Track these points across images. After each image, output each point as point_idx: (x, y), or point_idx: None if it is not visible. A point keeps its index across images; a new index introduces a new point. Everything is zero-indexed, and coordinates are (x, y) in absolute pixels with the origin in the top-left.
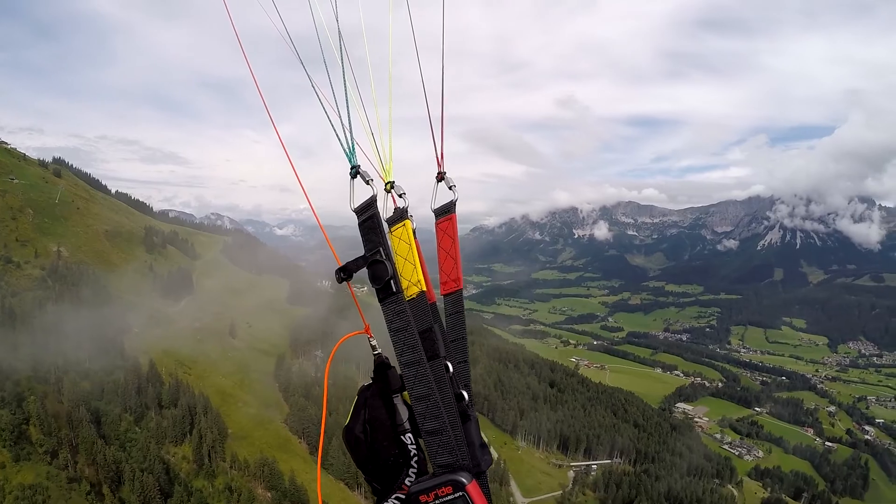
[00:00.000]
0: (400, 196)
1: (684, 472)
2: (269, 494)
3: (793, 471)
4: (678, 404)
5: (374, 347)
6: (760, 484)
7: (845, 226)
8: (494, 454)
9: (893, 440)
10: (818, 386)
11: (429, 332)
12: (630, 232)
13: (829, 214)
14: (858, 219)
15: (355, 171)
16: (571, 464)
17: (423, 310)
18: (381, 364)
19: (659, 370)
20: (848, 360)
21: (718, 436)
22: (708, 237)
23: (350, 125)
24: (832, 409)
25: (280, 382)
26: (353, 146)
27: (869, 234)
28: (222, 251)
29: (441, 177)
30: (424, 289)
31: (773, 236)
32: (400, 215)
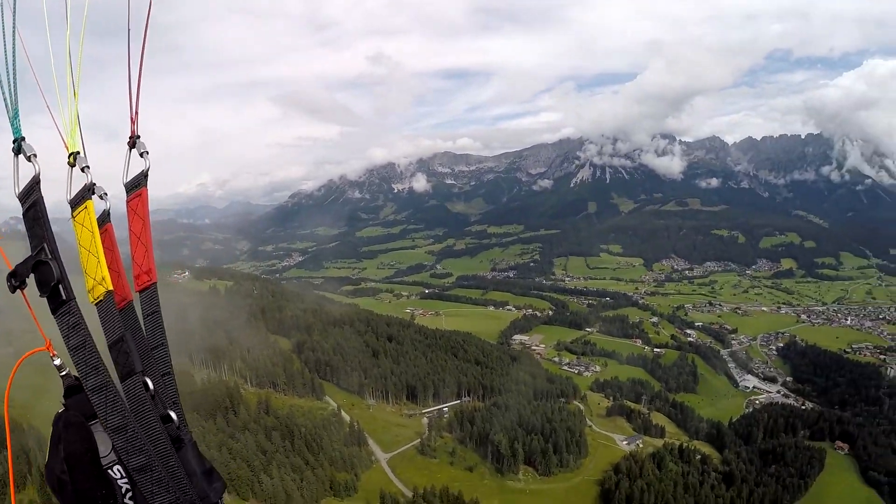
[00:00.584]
0: (83, 171)
1: (531, 397)
2: None
3: (629, 379)
4: (514, 336)
5: (58, 368)
6: (602, 395)
7: (650, 160)
8: (346, 417)
9: (713, 338)
10: (640, 301)
11: (120, 343)
12: (448, 181)
13: (634, 151)
14: (661, 153)
15: (18, 146)
16: (423, 411)
17: (110, 316)
18: (70, 388)
19: (492, 308)
20: (663, 276)
21: (557, 359)
22: (524, 179)
23: (13, 80)
24: (655, 319)
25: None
26: (16, 109)
27: (671, 165)
28: None
29: (133, 142)
30: (110, 288)
31: (585, 174)
32: (81, 196)
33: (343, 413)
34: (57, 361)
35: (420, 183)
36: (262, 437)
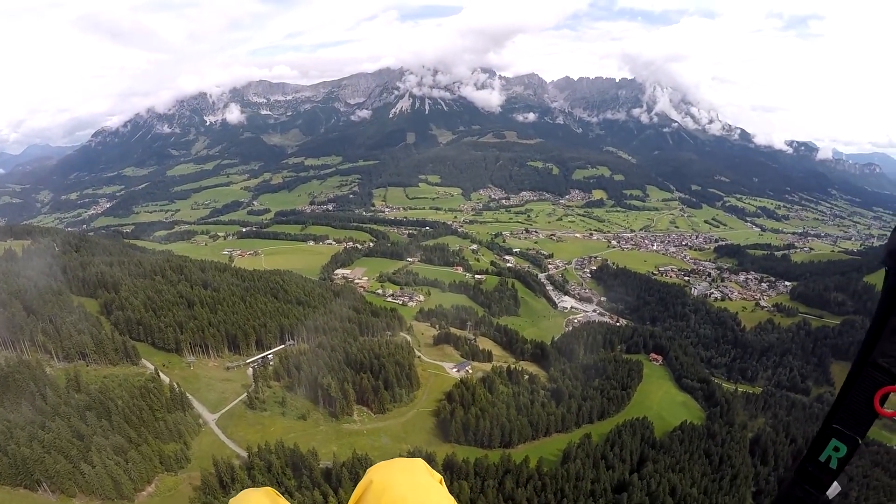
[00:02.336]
0: None
1: (357, 334)
2: None
3: (454, 306)
4: (336, 271)
5: None
6: (428, 324)
7: (469, 92)
8: (165, 380)
9: (531, 263)
10: (459, 230)
11: None
12: (264, 111)
13: (454, 83)
14: (481, 86)
15: None
16: (247, 361)
17: None
18: None
19: (311, 243)
20: (481, 205)
21: (380, 291)
22: (342, 109)
23: None
24: (475, 247)
25: None
26: None
27: (490, 99)
28: None
29: None
30: None
31: (404, 104)
32: None
33: (162, 376)
34: None
35: (234, 114)
36: (77, 419)
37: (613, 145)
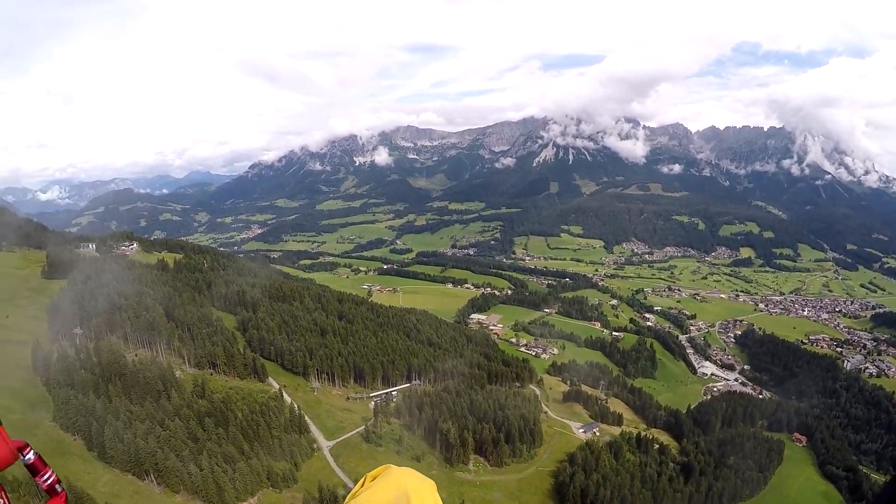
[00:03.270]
0: None
1: (485, 381)
2: None
3: (587, 362)
4: (472, 315)
5: None
6: (560, 378)
7: (613, 142)
8: (288, 400)
9: (672, 323)
10: (599, 283)
11: None
12: (411, 155)
13: (598, 133)
14: (625, 136)
15: None
16: (371, 395)
17: None
18: None
19: (450, 285)
20: (623, 258)
21: (514, 340)
22: (486, 157)
23: None
24: (614, 302)
25: (41, 374)
26: None
27: (634, 149)
28: None
29: None
30: None
31: (548, 153)
32: None
33: (285, 396)
34: None
35: (382, 156)
36: (195, 423)
37: (762, 199)
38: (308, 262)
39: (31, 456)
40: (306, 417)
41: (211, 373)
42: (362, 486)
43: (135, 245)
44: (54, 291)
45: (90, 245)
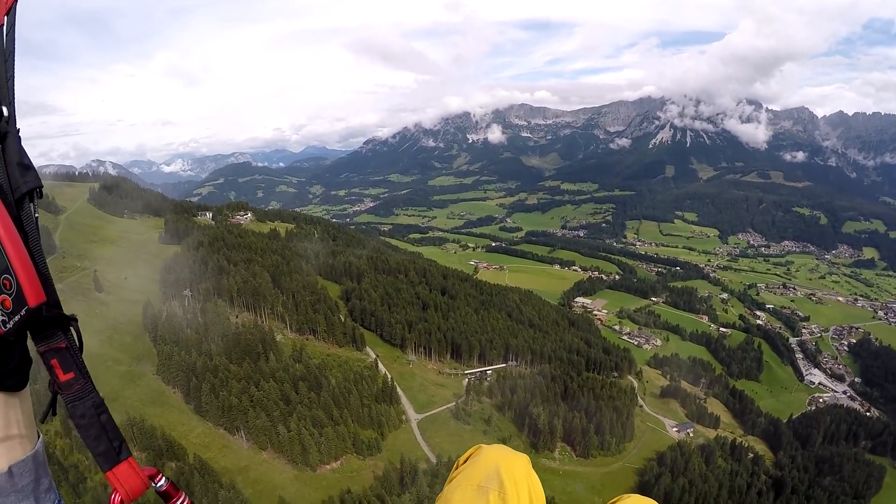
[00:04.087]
0: None
1: (583, 368)
2: (142, 456)
3: (690, 357)
4: (577, 298)
5: None
6: (660, 372)
7: (733, 126)
8: (384, 371)
9: (783, 324)
10: (711, 275)
11: None
12: (524, 134)
13: (717, 115)
14: (746, 119)
15: None
16: (465, 372)
17: None
18: None
19: (557, 266)
20: (738, 250)
21: (617, 327)
22: (601, 137)
23: None
24: (725, 296)
25: (149, 331)
26: None
27: (756, 134)
28: (90, 199)
29: None
30: None
31: (664, 135)
32: None
33: (381, 366)
34: None
35: (495, 134)
36: (289, 386)
37: (891, 195)
38: (417, 236)
39: (162, 483)
40: (398, 389)
41: (310, 339)
42: (456, 469)
43: (249, 214)
44: (169, 256)
45: (207, 214)
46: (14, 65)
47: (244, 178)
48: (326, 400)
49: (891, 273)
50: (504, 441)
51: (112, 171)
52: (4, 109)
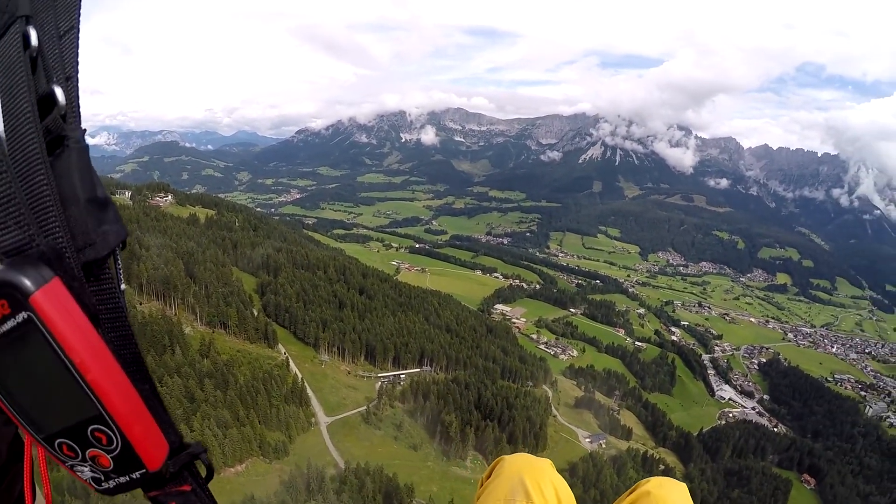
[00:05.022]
0: None
1: (498, 376)
2: None
3: (605, 369)
4: (497, 305)
5: None
6: (575, 383)
7: (662, 149)
8: (295, 371)
9: (697, 341)
10: (630, 290)
11: None
12: (457, 138)
13: (648, 137)
14: (675, 144)
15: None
16: (379, 374)
17: None
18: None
19: (479, 272)
20: (657, 268)
21: (535, 336)
22: (533, 147)
23: None
24: (642, 311)
25: None
26: None
27: (683, 158)
28: None
29: None
30: None
31: (595, 151)
32: None
33: (292, 365)
34: None
35: (429, 136)
36: (194, 383)
37: (807, 226)
38: (342, 231)
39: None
40: (309, 390)
41: (220, 333)
42: (480, 486)
43: (169, 197)
44: None
45: (125, 193)
46: (79, 35)
47: (170, 158)
48: (233, 399)
49: (801, 298)
50: (415, 448)
51: None
52: (59, 93)
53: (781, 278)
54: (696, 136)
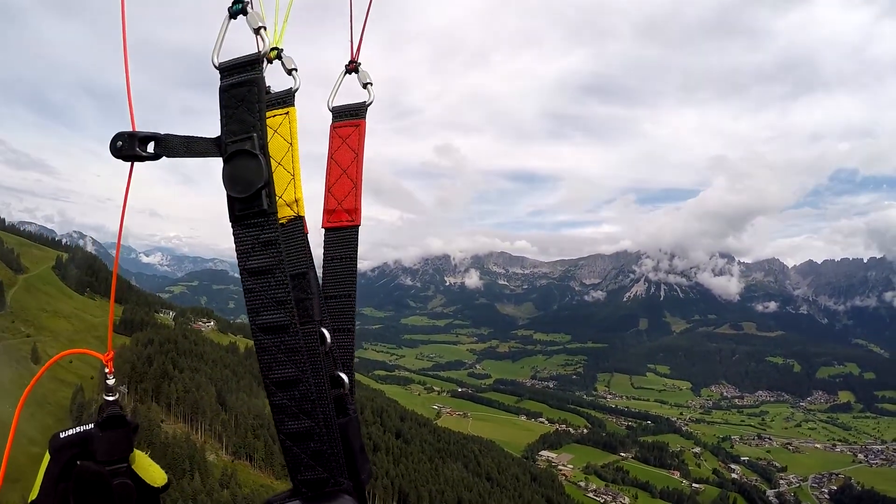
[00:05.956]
0: (290, 73)
1: None
2: None
3: None
4: (542, 452)
5: (108, 388)
6: None
7: (706, 279)
8: None
9: (759, 476)
10: (683, 428)
11: (302, 280)
12: (501, 281)
13: (691, 269)
14: (719, 272)
15: (241, 7)
16: None
17: (297, 245)
18: (113, 417)
19: (524, 417)
20: (711, 402)
21: (583, 483)
22: (576, 288)
23: None
24: (697, 450)
25: (73, 419)
26: None
27: (728, 286)
28: (56, 268)
29: (353, 67)
30: (303, 213)
31: (639, 288)
32: (284, 97)
33: None
34: (110, 379)
35: (473, 279)
36: None
37: (863, 337)
38: (383, 373)
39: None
40: None
41: (245, 464)
42: None
43: (212, 323)
44: (117, 346)
45: (170, 312)
46: (354, 316)
47: (219, 286)
48: None
49: (868, 414)
50: None
51: (91, 248)
52: (345, 378)
53: (844, 396)
54: (740, 262)
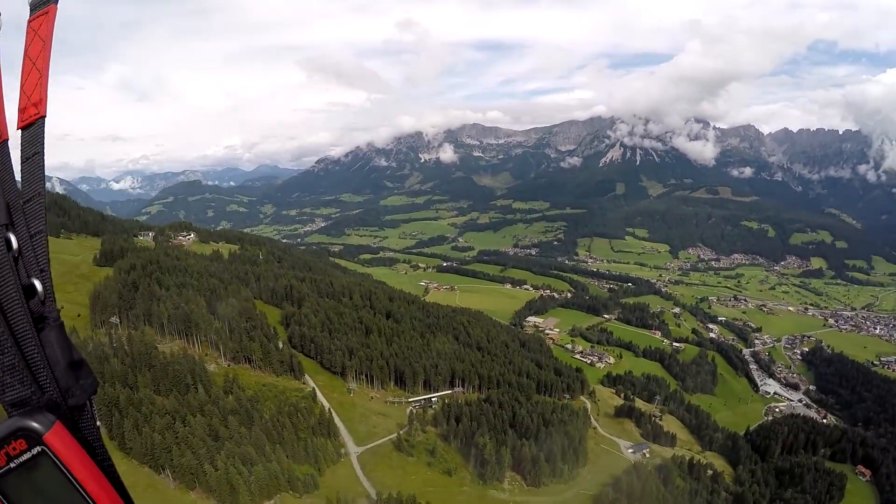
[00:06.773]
0: None
1: (533, 391)
2: None
3: (644, 374)
4: (529, 318)
5: None
6: (613, 391)
7: (682, 143)
8: (322, 401)
9: (736, 336)
10: (662, 290)
11: None
12: (476, 153)
13: (666, 133)
14: (694, 137)
15: None
16: (409, 399)
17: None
18: None
19: (509, 286)
20: (689, 264)
21: (570, 346)
22: (552, 155)
23: None
24: (677, 310)
25: None
26: None
27: (704, 151)
28: None
29: None
30: (44, 115)
31: (615, 153)
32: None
33: (319, 396)
34: None
35: (447, 154)
36: (218, 420)
37: (836, 206)
38: (368, 256)
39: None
40: (337, 420)
41: (245, 367)
42: None
43: (192, 235)
44: (101, 279)
45: (148, 234)
46: (46, 216)
47: (194, 197)
48: (258, 435)
49: (839, 281)
50: (449, 473)
51: (59, 188)
52: (38, 285)
53: (816, 263)
54: (715, 127)
